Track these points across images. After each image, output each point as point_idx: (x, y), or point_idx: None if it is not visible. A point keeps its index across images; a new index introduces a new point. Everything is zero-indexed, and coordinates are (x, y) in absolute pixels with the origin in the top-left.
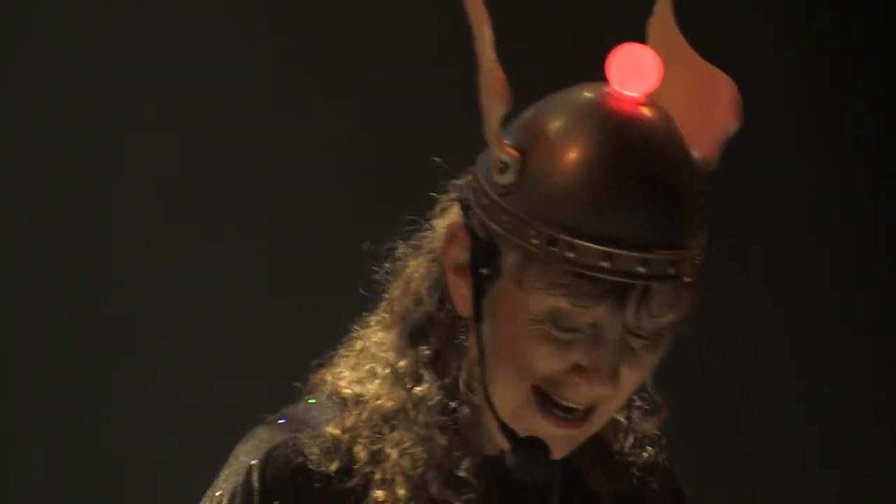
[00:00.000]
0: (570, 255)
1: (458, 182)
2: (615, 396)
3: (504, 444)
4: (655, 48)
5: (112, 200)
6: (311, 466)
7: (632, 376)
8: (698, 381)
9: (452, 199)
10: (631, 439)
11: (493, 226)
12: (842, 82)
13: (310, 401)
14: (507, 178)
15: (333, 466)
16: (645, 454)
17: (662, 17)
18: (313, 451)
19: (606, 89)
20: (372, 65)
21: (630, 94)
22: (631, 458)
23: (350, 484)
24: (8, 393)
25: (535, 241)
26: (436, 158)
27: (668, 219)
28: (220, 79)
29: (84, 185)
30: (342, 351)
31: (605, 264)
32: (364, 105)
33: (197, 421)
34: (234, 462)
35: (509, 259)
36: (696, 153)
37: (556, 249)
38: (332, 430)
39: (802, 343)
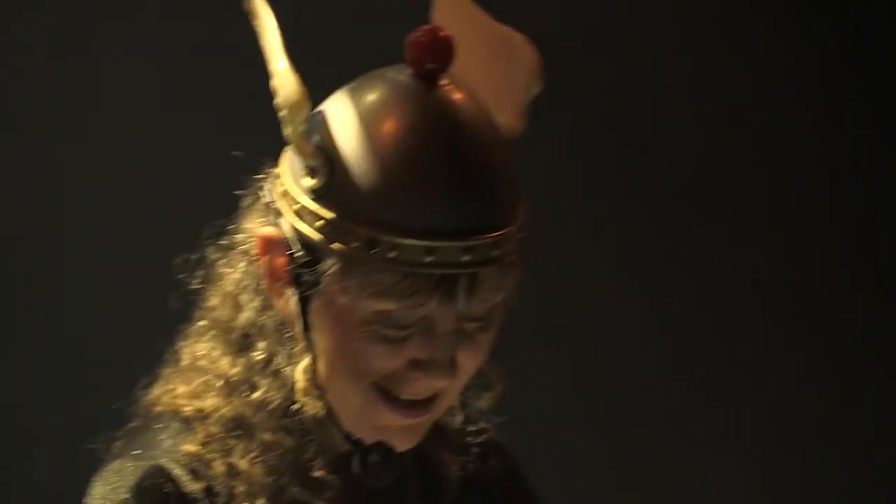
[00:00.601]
0: (393, 254)
1: (261, 178)
2: (456, 383)
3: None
4: (443, 13)
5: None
6: (183, 490)
7: (470, 361)
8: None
9: (255, 197)
10: (462, 417)
11: (309, 232)
12: (842, 83)
13: (156, 426)
14: (318, 182)
15: (199, 486)
16: (481, 433)
17: None
18: (179, 476)
19: (405, 76)
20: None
21: (429, 76)
22: (469, 438)
23: (219, 500)
24: None
25: (354, 245)
26: (235, 152)
27: (485, 203)
28: None
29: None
30: (168, 368)
31: (429, 259)
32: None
33: None
34: (100, 502)
35: (330, 265)
36: (500, 120)
37: (377, 251)
38: (189, 447)
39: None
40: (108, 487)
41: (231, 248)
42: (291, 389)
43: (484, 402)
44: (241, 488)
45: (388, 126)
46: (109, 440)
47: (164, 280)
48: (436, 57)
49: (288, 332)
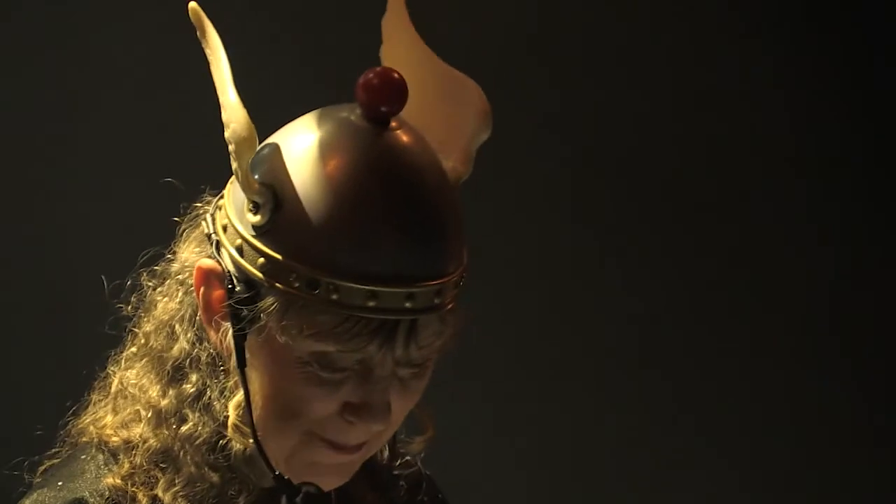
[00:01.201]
0: (334, 296)
1: (200, 206)
2: (388, 428)
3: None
4: (391, 51)
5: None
6: None
7: (402, 406)
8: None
9: (192, 225)
10: (388, 453)
11: (250, 268)
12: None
13: (81, 456)
14: (261, 219)
15: None
16: (409, 467)
17: (396, 15)
18: None
19: (356, 114)
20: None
21: (380, 119)
22: (397, 472)
23: None
24: None
25: (295, 285)
26: (168, 179)
27: (430, 250)
28: None
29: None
30: (95, 395)
31: (371, 303)
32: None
33: None
34: None
35: (269, 302)
36: (446, 163)
37: (318, 292)
38: (111, 480)
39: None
40: None
41: (167, 275)
42: (221, 424)
43: (416, 445)
44: None
45: (336, 167)
46: (33, 465)
47: (95, 302)
48: (388, 100)
49: (222, 365)
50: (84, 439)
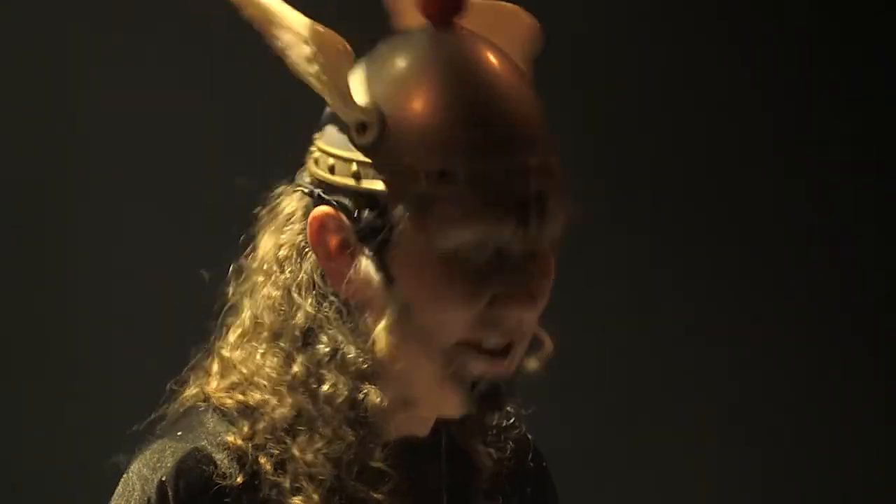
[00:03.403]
0: (464, 183)
1: (276, 194)
2: (534, 319)
3: (411, 425)
4: None
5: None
6: (220, 479)
7: (544, 288)
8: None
9: (274, 212)
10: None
11: (375, 187)
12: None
13: (200, 410)
14: (371, 136)
15: (240, 479)
16: (516, 430)
17: None
18: (222, 461)
19: (426, 28)
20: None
21: (448, 23)
22: (505, 435)
23: (260, 495)
24: None
25: (424, 183)
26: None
27: (534, 127)
28: None
29: None
30: (203, 369)
31: (499, 180)
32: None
33: None
34: (137, 480)
35: (401, 212)
36: None
37: (448, 183)
38: (232, 439)
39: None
40: (148, 466)
41: (263, 259)
42: (358, 380)
43: (533, 363)
44: (289, 483)
45: (421, 67)
46: (153, 422)
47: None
48: (451, 4)
49: (350, 318)
50: (192, 400)
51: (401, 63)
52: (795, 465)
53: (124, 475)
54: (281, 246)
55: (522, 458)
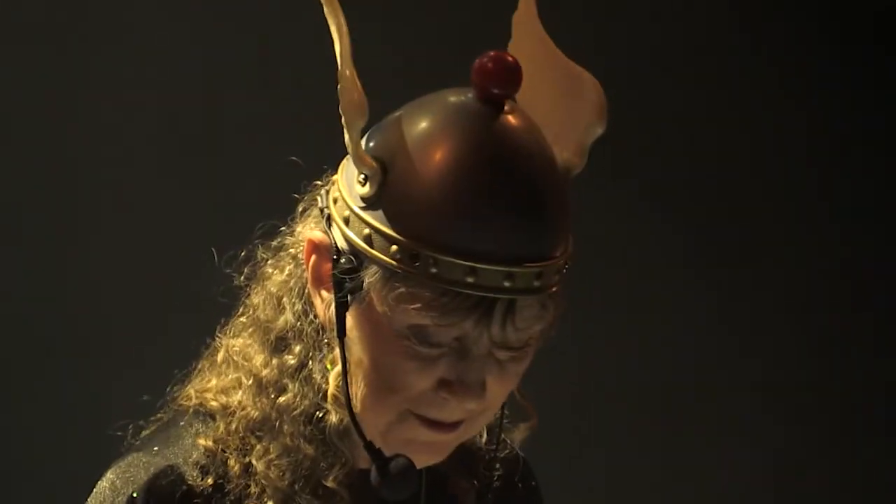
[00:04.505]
0: (434, 270)
1: (320, 185)
2: (484, 410)
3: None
4: (518, 46)
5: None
6: (193, 489)
7: (499, 389)
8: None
9: (312, 202)
10: (487, 435)
11: (355, 239)
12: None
13: (180, 423)
14: (369, 191)
15: (209, 481)
16: (505, 449)
17: (526, 12)
18: (192, 475)
19: (469, 96)
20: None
21: (493, 101)
22: (493, 456)
23: (226, 499)
24: None
25: (397, 257)
26: (293, 158)
27: (533, 231)
28: None
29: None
30: (204, 361)
31: (469, 279)
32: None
33: None
34: (109, 491)
35: (371, 273)
36: (561, 156)
37: (418, 265)
38: (203, 442)
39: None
40: (121, 478)
41: (281, 249)
42: (320, 397)
43: (519, 433)
44: (253, 489)
45: (444, 144)
46: (137, 428)
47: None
48: (501, 83)
49: (325, 338)
50: (185, 403)
51: (423, 129)
52: (797, 466)
53: (98, 482)
54: (299, 241)
55: (510, 479)
